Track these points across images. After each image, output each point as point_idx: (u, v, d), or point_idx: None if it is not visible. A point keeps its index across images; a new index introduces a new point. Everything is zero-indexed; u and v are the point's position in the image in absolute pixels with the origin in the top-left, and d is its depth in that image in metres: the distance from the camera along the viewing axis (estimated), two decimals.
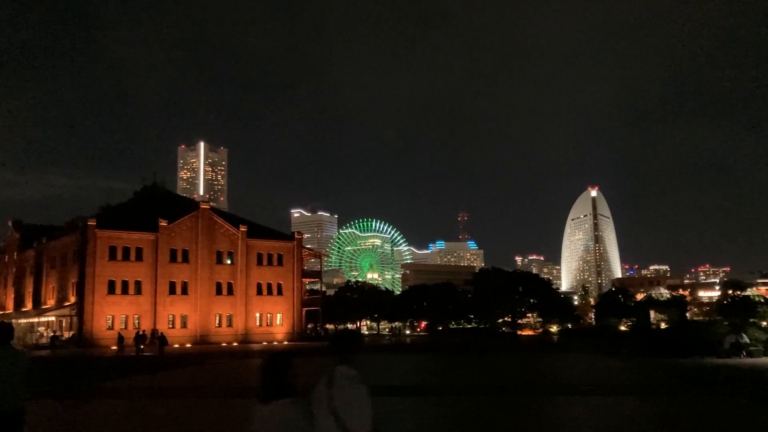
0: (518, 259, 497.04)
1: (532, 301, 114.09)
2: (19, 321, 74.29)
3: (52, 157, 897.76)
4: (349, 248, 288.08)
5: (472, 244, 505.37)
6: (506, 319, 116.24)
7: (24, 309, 79.22)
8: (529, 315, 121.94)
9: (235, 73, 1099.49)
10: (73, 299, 68.75)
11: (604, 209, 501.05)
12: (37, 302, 76.94)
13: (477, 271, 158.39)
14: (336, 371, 4.66)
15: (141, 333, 54.23)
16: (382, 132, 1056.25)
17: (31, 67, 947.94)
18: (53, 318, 71.19)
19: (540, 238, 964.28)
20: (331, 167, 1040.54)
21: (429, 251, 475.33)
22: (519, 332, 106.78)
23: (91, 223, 68.05)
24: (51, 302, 73.96)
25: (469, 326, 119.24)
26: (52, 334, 64.90)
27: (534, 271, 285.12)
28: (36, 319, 73.88)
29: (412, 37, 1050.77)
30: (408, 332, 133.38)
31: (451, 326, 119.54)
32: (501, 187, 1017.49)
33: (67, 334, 66.93)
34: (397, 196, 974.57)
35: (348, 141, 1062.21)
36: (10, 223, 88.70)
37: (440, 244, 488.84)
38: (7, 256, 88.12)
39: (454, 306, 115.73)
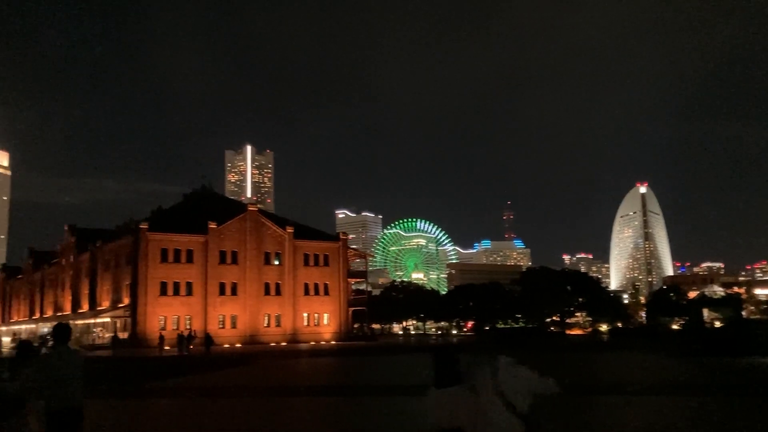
0: (566, 257, 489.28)
1: (580, 300, 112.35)
2: (76, 322, 76.76)
3: (105, 163, 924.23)
4: (393, 248, 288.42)
5: (518, 243, 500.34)
6: (554, 318, 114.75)
7: (80, 311, 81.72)
8: (578, 314, 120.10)
9: (279, 77, 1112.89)
10: (126, 301, 70.59)
11: (654, 206, 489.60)
12: (93, 304, 79.29)
13: (524, 270, 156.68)
14: (499, 359, 5.41)
15: (182, 333, 55.58)
16: (426, 131, 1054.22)
17: (84, 76, 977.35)
18: (108, 319, 73.27)
19: (588, 236, 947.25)
20: (375, 168, 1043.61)
21: (474, 251, 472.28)
22: (567, 332, 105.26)
23: (143, 226, 69.78)
24: (106, 304, 76.11)
25: (517, 326, 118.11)
26: (113, 334, 66.77)
27: (582, 269, 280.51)
28: (92, 321, 76.18)
29: (454, 36, 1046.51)
30: (455, 332, 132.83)
31: (498, 326, 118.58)
32: (547, 184, 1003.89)
33: (122, 335, 68.78)
34: (442, 196, 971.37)
35: (392, 141, 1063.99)
36: (66, 228, 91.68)
37: (486, 244, 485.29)
38: (63, 260, 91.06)
39: (501, 305, 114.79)
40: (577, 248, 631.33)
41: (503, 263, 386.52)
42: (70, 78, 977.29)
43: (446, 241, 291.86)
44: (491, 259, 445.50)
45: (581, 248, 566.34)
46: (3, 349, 70.33)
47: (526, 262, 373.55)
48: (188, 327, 68.04)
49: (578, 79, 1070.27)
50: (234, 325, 73.52)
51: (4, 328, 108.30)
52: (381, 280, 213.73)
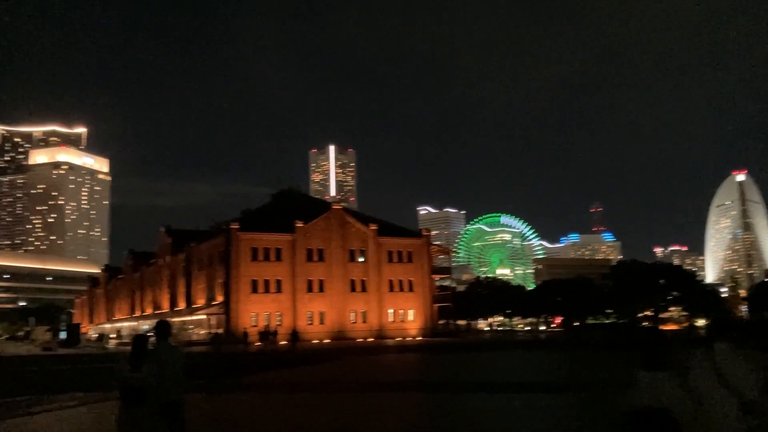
0: (658, 250, 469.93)
1: (674, 294, 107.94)
2: (174, 319, 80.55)
3: (197, 167, 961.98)
4: (477, 244, 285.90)
5: (607, 236, 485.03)
6: (647, 313, 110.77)
7: (177, 308, 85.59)
8: (672, 309, 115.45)
9: (361, 75, 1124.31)
10: (220, 298, 73.38)
11: (754, 194, 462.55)
12: (189, 302, 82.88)
13: (614, 264, 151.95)
14: (715, 346, 5.61)
15: (266, 329, 57.32)
16: (510, 125, 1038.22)
17: (175, 82, 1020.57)
18: (204, 316, 76.38)
19: (681, 228, 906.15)
20: (458, 163, 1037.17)
21: (562, 245, 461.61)
22: (661, 327, 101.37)
23: (234, 226, 72.32)
24: (201, 301, 79.37)
25: (607, 321, 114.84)
26: (209, 331, 69.58)
27: (676, 262, 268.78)
28: (188, 318, 79.68)
29: (538, 27, 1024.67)
30: (543, 328, 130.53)
31: (588, 321, 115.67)
32: (637, 175, 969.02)
33: (216, 332, 71.52)
34: (527, 190, 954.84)
35: (475, 135, 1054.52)
36: (162, 230, 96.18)
37: (574, 237, 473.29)
38: (160, 260, 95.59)
39: (591, 301, 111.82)
40: (669, 240, 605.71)
41: (592, 257, 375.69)
42: (163, 85, 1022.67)
43: (532, 236, 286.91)
44: (579, 253, 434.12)
45: (674, 240, 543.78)
46: (107, 346, 74.72)
47: (615, 256, 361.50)
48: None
49: (667, 63, 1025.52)
50: (322, 321, 75.08)
51: (108, 326, 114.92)
52: (465, 277, 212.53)
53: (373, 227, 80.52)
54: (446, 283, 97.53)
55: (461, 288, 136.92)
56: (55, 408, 17.89)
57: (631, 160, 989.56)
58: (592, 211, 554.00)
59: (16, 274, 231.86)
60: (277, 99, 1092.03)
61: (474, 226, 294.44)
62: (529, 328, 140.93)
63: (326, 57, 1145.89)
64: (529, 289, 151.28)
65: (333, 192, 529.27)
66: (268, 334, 56.19)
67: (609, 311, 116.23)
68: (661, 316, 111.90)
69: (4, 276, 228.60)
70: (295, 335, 54.89)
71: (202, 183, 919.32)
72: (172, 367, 8.43)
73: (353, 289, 77.83)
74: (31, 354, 60.06)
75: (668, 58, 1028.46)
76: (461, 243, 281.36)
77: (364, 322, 77.72)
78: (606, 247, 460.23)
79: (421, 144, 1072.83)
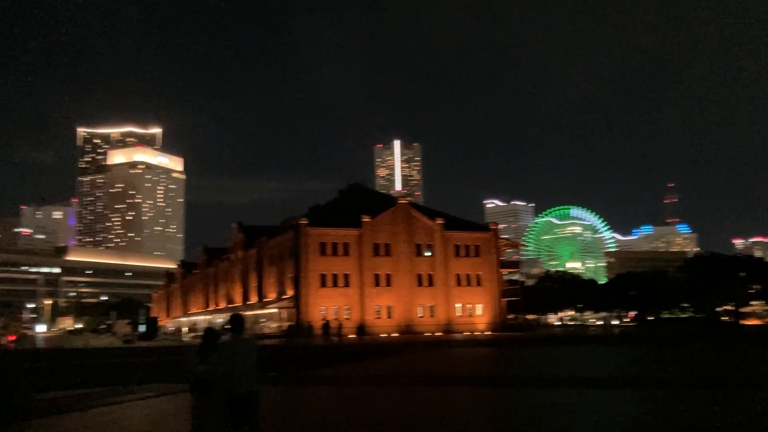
0: (738, 242, 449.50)
1: (756, 287, 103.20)
2: (246, 313, 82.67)
3: (267, 165, 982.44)
4: (546, 237, 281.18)
5: (682, 228, 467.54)
6: (726, 307, 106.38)
7: (250, 302, 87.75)
8: (754, 303, 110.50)
9: (424, 68, 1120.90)
10: (290, 292, 74.79)
11: None
12: (261, 296, 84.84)
13: (690, 256, 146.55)
14: None
15: (327, 322, 58.18)
16: (578, 114, 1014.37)
17: (244, 81, 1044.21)
18: (275, 310, 78.08)
19: (763, 219, 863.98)
20: (525, 155, 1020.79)
21: (634, 237, 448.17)
22: (742, 321, 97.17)
23: (303, 222, 73.55)
24: (272, 296, 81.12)
25: (683, 316, 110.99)
26: (279, 324, 71.11)
27: (758, 254, 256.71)
28: (260, 311, 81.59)
29: (605, 17, 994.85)
30: (615, 322, 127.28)
31: (662, 316, 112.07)
32: (714, 164, 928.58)
33: (285, 325, 73.05)
34: (597, 181, 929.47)
35: (542, 126, 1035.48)
36: (234, 226, 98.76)
37: (647, 230, 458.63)
38: (233, 255, 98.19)
39: (666, 294, 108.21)
40: (750, 232, 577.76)
41: (666, 250, 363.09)
42: (233, 84, 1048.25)
43: (603, 229, 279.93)
44: (653, 245, 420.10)
45: (756, 232, 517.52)
46: (183, 338, 77.39)
47: (692, 248, 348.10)
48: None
49: (747, 44, 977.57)
50: (389, 316, 75.47)
51: (183, 319, 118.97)
52: (534, 271, 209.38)
53: (440, 221, 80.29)
54: (515, 277, 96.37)
55: (530, 282, 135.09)
56: (136, 398, 18.67)
57: (708, 147, 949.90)
58: (666, 202, 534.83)
59: (98, 270, 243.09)
60: (343, 95, 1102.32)
61: (543, 219, 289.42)
62: (601, 322, 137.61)
63: (391, 51, 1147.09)
64: (600, 282, 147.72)
65: (398, 186, 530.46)
66: (329, 328, 57.09)
67: (685, 305, 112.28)
68: (742, 310, 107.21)
69: (87, 272, 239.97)
70: (360, 329, 55.71)
71: (272, 180, 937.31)
72: (245, 360, 8.65)
73: (420, 284, 77.89)
74: (112, 346, 62.87)
75: (747, 34, 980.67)
76: (530, 236, 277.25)
77: (432, 316, 77.67)
78: (681, 239, 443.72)
79: (488, 136, 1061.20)
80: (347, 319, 71.19)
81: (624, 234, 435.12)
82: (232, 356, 8.56)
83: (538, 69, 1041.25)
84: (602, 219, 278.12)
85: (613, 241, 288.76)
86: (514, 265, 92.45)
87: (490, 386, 20.63)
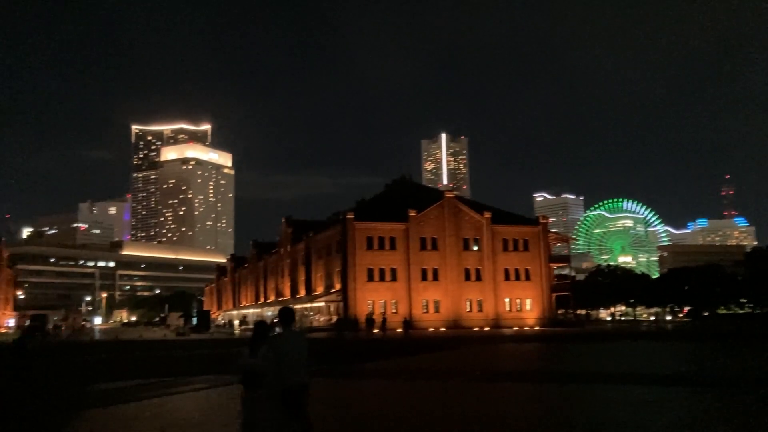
0: None
1: None
2: (295, 306, 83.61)
3: (313, 159, 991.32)
4: (597, 231, 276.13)
5: (740, 221, 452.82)
6: None
7: (298, 296, 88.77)
8: None
9: (472, 62, 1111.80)
10: (338, 286, 75.33)
11: None
12: (309, 289, 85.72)
13: (749, 250, 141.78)
14: None
15: (370, 316, 58.31)
16: (629, 103, 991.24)
17: (290, 76, 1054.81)
18: (323, 303, 78.78)
19: None
20: (574, 147, 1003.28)
21: (689, 231, 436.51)
22: None
23: (350, 216, 73.90)
24: (320, 289, 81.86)
25: (741, 312, 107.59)
26: (329, 317, 71.74)
27: None
28: (309, 305, 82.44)
29: (660, 7, 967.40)
30: (669, 318, 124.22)
31: (719, 312, 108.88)
32: None
33: (334, 318, 73.61)
34: (650, 173, 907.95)
35: (592, 117, 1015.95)
36: (283, 220, 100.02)
37: (702, 223, 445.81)
38: (282, 249, 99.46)
39: (722, 289, 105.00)
40: None
41: (723, 244, 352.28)
42: (280, 79, 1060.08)
43: (656, 222, 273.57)
44: (708, 239, 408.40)
45: None
46: (235, 331, 78.75)
47: (750, 242, 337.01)
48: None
49: None
50: (437, 310, 75.27)
51: (234, 312, 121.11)
52: (585, 265, 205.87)
53: (488, 215, 79.61)
54: (565, 271, 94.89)
55: (581, 276, 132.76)
56: (189, 390, 19.07)
57: (767, 138, 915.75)
58: (722, 194, 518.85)
59: (152, 264, 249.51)
60: (391, 89, 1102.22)
61: (594, 213, 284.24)
62: (653, 318, 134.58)
63: (438, 44, 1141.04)
64: (653, 277, 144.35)
65: (445, 180, 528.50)
66: (373, 321, 57.30)
67: (743, 301, 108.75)
68: None
69: (141, 266, 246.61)
70: (407, 323, 55.76)
71: (319, 175, 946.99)
72: (297, 352, 8.69)
73: (468, 278, 77.42)
74: (166, 338, 64.43)
75: None
76: (580, 230, 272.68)
77: (480, 311, 77.16)
78: (738, 232, 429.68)
79: (537, 129, 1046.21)
80: (394, 313, 71.29)
81: (678, 227, 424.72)
82: (284, 349, 8.61)
83: (589, 60, 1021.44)
84: (655, 212, 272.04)
85: (666, 234, 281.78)
86: (564, 259, 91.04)
87: (541, 382, 20.34)
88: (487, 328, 71.29)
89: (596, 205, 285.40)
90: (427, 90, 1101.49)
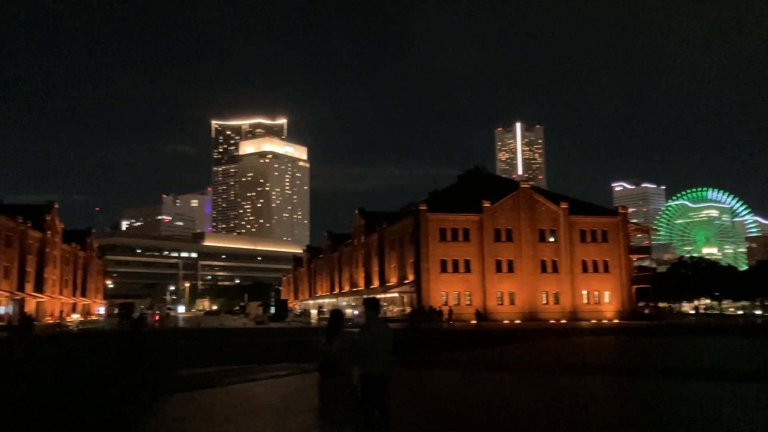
0: None
1: None
2: (369, 296, 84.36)
3: (385, 150, 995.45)
4: (679, 221, 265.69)
5: None
6: None
7: (372, 286, 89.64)
8: None
9: (547, 50, 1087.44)
10: (411, 277, 75.60)
11: None
12: (382, 280, 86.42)
13: None
14: None
15: (429, 309, 58.15)
16: (710, 86, 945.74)
17: (363, 69, 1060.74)
18: (396, 294, 79.28)
19: None
20: (655, 134, 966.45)
21: None
22: None
23: (423, 207, 73.93)
24: (393, 280, 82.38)
25: None
26: (411, 309, 72.13)
27: None
28: (382, 295, 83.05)
29: None
30: (758, 312, 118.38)
31: None
32: None
33: (408, 309, 73.94)
34: (737, 161, 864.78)
35: (673, 103, 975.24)
36: (356, 212, 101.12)
37: None
38: (355, 241, 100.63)
39: None
40: None
41: None
42: (353, 73, 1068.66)
43: (744, 212, 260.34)
44: None
45: None
46: (312, 320, 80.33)
47: None
48: (469, 303, 70.80)
49: None
50: (512, 302, 74.41)
51: (310, 302, 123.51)
52: (666, 256, 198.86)
53: (564, 206, 77.93)
54: (645, 263, 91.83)
55: (662, 269, 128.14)
56: (269, 376, 19.67)
57: None
58: None
59: (232, 255, 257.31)
60: (464, 79, 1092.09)
61: (676, 202, 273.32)
62: (741, 312, 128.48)
63: (512, 33, 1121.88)
64: (741, 269, 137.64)
65: (520, 171, 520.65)
66: (441, 313, 57.29)
67: None
68: None
69: (222, 256, 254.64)
70: (479, 315, 55.57)
71: (392, 166, 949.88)
72: (382, 342, 8.84)
73: (544, 270, 76.12)
74: (246, 327, 66.38)
75: None
76: (662, 220, 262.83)
77: (557, 303, 75.79)
78: None
79: (614, 117, 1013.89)
80: (468, 305, 71.00)
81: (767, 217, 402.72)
82: (371, 338, 8.80)
83: (669, 45, 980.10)
84: (742, 201, 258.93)
85: (755, 225, 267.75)
86: (645, 250, 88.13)
87: (623, 376, 19.85)
88: (563, 321, 69.98)
89: (679, 195, 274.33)
90: (500, 79, 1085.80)
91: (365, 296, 9.36)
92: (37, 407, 14.15)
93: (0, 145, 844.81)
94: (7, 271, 74.50)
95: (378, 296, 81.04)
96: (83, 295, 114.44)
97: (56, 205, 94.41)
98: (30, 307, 78.98)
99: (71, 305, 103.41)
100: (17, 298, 76.43)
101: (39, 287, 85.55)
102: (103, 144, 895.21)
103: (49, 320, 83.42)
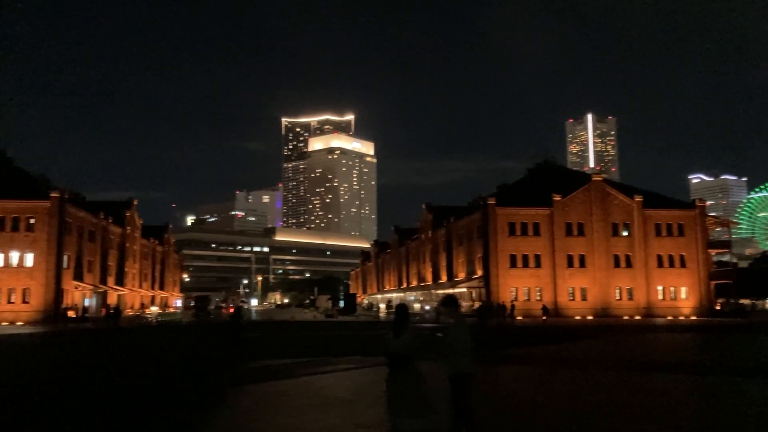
0: None
1: None
2: (437, 292, 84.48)
3: (453, 144, 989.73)
4: (762, 214, 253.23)
5: None
6: None
7: (440, 281, 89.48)
8: None
9: (619, 39, 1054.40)
10: (480, 272, 75.03)
11: None
12: (450, 275, 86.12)
13: None
14: None
15: (496, 304, 57.36)
16: None
17: (429, 63, 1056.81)
18: (464, 289, 78.87)
19: None
20: (736, 124, 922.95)
21: None
22: None
23: (491, 201, 73.17)
24: (461, 275, 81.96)
25: None
26: (480, 304, 71.75)
27: None
28: (450, 291, 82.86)
29: None
30: None
31: None
32: None
33: (476, 304, 73.45)
34: None
35: (755, 92, 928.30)
36: (424, 206, 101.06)
37: None
38: (423, 235, 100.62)
39: None
40: None
41: None
42: (419, 66, 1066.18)
43: None
44: None
45: None
46: (380, 314, 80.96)
47: None
48: (539, 298, 69.71)
49: None
50: (584, 298, 72.82)
51: (378, 296, 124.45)
52: (748, 251, 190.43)
53: (639, 199, 75.55)
54: (725, 258, 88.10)
55: (744, 264, 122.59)
56: (338, 369, 20.00)
57: None
58: None
59: (302, 249, 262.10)
60: (532, 71, 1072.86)
61: (759, 195, 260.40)
62: None
63: (582, 21, 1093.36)
64: None
65: (592, 163, 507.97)
66: (504, 308, 56.48)
67: None
68: None
69: (292, 251, 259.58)
70: (545, 310, 54.72)
71: (460, 160, 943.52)
72: (462, 341, 8.87)
73: (617, 265, 74.09)
74: (316, 320, 67.57)
75: None
76: (743, 213, 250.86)
77: (630, 299, 73.64)
78: None
79: (691, 107, 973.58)
80: (538, 300, 69.91)
81: None
82: (453, 337, 8.85)
83: (748, 31, 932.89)
84: None
85: None
86: (724, 245, 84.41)
87: (703, 374, 19.14)
88: (637, 317, 67.98)
89: (761, 186, 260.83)
90: (571, 70, 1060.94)
91: (444, 294, 9.43)
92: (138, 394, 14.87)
93: (84, 145, 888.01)
94: (91, 264, 78.13)
95: (446, 291, 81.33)
96: (161, 288, 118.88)
97: (135, 202, 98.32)
98: (111, 299, 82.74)
99: (150, 298, 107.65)
100: (100, 290, 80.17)
101: (120, 280, 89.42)
102: (179, 143, 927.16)
103: (130, 312, 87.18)
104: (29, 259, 65.95)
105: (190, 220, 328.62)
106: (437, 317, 9.48)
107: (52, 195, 67.02)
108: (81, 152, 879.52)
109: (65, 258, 68.46)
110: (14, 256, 65.93)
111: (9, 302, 64.96)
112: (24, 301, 65.21)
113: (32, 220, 66.54)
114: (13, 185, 67.89)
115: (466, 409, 8.85)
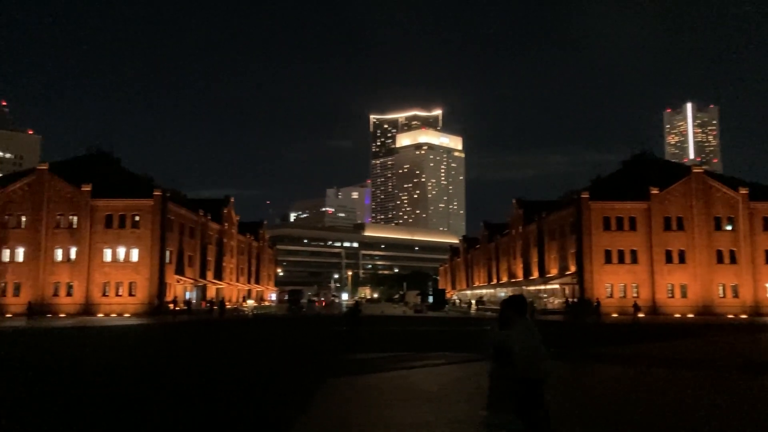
0: None
1: None
2: (528, 288, 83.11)
3: (544, 137, 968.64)
4: None
5: None
6: None
7: (531, 278, 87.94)
8: None
9: (719, 23, 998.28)
10: (573, 268, 73.17)
11: None
12: (542, 271, 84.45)
13: None
14: None
15: (580, 301, 55.43)
16: None
17: (514, 54, 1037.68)
18: (557, 286, 77.16)
19: None
20: None
21: None
22: None
23: (585, 196, 71.15)
24: (554, 271, 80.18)
25: None
26: (573, 300, 70.29)
27: None
28: (542, 287, 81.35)
29: None
30: None
31: None
32: None
33: (570, 301, 71.77)
34: None
35: None
36: (514, 201, 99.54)
37: None
38: (513, 230, 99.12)
39: None
40: None
41: None
42: (509, 59, 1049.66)
43: None
44: None
45: None
46: (471, 310, 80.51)
47: None
48: (635, 295, 67.32)
49: None
50: (684, 295, 69.66)
51: (468, 292, 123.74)
52: None
53: (743, 191, 71.39)
54: None
55: None
56: (428, 364, 20.12)
57: None
58: None
59: (390, 245, 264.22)
60: (626, 60, 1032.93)
61: None
62: None
63: (679, 6, 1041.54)
64: None
65: (692, 154, 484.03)
66: (590, 305, 54.73)
67: None
68: None
69: (381, 246, 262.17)
70: (636, 307, 52.78)
71: (552, 153, 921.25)
72: (532, 344, 8.22)
73: (720, 261, 70.37)
74: (405, 315, 68.01)
75: None
76: None
77: (735, 296, 69.78)
78: None
79: None
80: (635, 297, 67.42)
81: None
82: (522, 341, 8.51)
83: None
84: None
85: None
86: None
87: None
88: (743, 316, 64.34)
89: None
90: (668, 58, 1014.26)
91: (508, 294, 9.10)
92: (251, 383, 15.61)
93: (183, 145, 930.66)
94: (191, 260, 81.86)
95: (538, 287, 79.79)
96: (257, 282, 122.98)
97: (232, 199, 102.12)
98: (210, 293, 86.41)
99: (246, 291, 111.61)
100: (200, 284, 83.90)
101: (218, 275, 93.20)
102: (273, 141, 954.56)
103: (228, 306, 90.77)
104: (135, 255, 69.83)
105: (284, 216, 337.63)
106: (500, 326, 8.77)
107: (155, 193, 70.69)
108: (182, 152, 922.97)
109: (167, 253, 72.09)
110: (121, 252, 69.99)
111: (117, 295, 69.10)
112: (130, 294, 69.19)
113: (137, 218, 70.43)
114: (120, 185, 72.15)
115: (534, 420, 8.24)
